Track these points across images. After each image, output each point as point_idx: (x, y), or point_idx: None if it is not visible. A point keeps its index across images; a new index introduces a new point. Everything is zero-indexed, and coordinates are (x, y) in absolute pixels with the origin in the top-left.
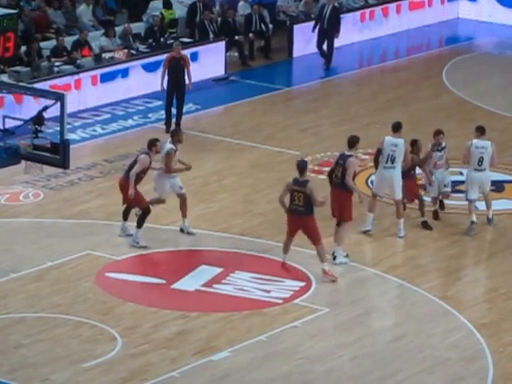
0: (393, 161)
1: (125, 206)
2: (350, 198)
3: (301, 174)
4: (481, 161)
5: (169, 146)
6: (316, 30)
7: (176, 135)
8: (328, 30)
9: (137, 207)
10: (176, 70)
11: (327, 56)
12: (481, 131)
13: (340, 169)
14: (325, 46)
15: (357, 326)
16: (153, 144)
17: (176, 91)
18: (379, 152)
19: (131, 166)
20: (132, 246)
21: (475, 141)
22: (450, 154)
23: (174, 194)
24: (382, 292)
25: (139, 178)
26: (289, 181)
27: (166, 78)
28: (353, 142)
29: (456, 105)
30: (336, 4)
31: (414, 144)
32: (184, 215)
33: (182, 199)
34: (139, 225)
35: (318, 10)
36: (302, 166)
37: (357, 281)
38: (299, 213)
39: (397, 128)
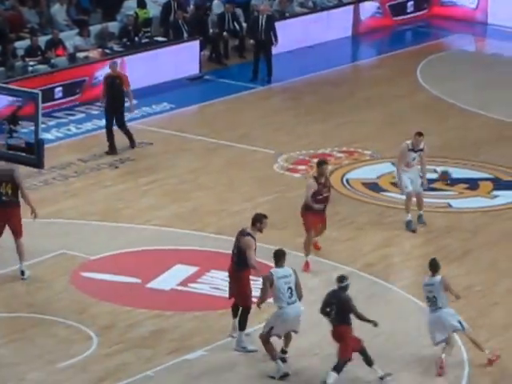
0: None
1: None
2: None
3: None
4: None
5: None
6: (252, 42)
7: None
8: (266, 40)
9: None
10: (112, 89)
11: (267, 68)
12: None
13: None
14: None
15: None
16: (259, 220)
17: (114, 113)
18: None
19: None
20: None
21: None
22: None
23: None
24: (357, 290)
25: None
26: None
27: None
28: None
29: (431, 103)
30: (269, 13)
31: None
32: None
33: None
34: (242, 327)
35: (251, 22)
36: None
37: (332, 279)
38: None
39: None
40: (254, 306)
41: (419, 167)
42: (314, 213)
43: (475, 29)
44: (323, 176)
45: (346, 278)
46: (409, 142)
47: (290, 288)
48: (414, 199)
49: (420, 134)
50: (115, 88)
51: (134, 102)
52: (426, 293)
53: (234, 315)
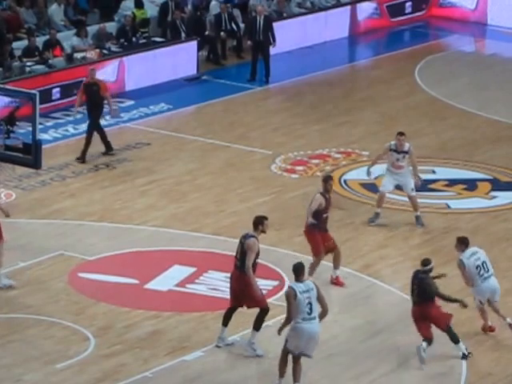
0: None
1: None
2: None
3: None
4: None
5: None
6: (250, 43)
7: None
8: (263, 41)
9: (257, 307)
10: (90, 96)
11: (265, 68)
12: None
13: None
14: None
15: (331, 324)
16: (260, 222)
17: (94, 118)
18: None
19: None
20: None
21: None
22: (421, 153)
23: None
24: (355, 291)
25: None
26: None
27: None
28: None
29: (428, 103)
30: (267, 13)
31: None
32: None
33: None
34: (258, 327)
35: (249, 22)
36: None
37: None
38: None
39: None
40: (248, 309)
41: (411, 169)
42: (322, 232)
43: (474, 30)
44: (329, 193)
45: (431, 262)
46: (393, 141)
47: (309, 303)
48: (409, 199)
49: (401, 134)
50: (93, 95)
51: (131, 102)
52: (475, 263)
53: (225, 323)
